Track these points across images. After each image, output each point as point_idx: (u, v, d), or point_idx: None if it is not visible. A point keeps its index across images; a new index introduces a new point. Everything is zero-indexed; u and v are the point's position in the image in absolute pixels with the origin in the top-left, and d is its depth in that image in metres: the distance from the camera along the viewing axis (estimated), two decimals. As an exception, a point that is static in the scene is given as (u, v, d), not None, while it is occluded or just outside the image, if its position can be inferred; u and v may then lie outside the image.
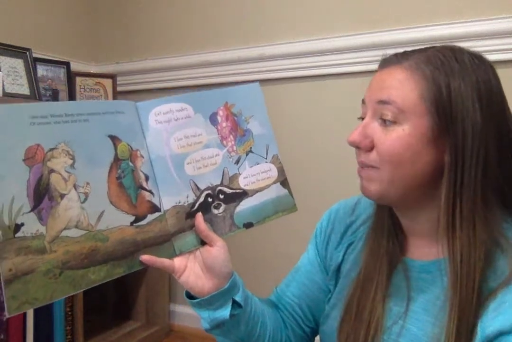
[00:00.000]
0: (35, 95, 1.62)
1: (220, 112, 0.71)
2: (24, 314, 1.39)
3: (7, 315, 0.51)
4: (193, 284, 0.65)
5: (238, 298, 0.67)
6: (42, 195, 0.55)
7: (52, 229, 0.55)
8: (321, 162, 1.64)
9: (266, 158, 0.74)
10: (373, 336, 0.63)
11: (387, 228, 0.68)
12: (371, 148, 0.61)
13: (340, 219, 0.77)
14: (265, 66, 1.70)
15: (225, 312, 0.65)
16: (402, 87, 0.59)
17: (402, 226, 0.68)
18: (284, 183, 0.75)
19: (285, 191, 0.75)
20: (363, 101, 0.64)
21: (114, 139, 0.62)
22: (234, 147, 0.71)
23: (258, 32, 1.73)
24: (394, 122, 0.59)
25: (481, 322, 0.54)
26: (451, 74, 0.58)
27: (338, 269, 0.74)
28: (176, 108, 0.67)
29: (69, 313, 1.52)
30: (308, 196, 1.63)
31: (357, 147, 0.62)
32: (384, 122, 0.60)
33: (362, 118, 0.64)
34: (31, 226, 0.53)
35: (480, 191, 0.58)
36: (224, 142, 0.70)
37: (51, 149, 0.56)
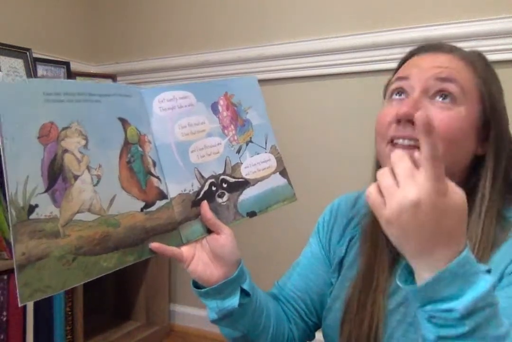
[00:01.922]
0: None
1: (221, 102, 0.71)
2: (24, 314, 1.39)
3: (19, 303, 0.49)
4: (201, 273, 0.65)
5: (246, 286, 0.67)
6: (56, 175, 0.53)
7: (66, 212, 0.53)
8: (321, 161, 1.64)
9: (265, 149, 0.75)
10: (377, 327, 0.64)
11: None
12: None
13: (342, 213, 0.78)
14: (265, 66, 1.70)
15: (233, 300, 0.65)
16: (462, 72, 0.62)
17: None
18: (283, 172, 0.76)
19: (284, 181, 0.76)
20: (404, 78, 0.63)
21: (123, 122, 0.61)
22: (235, 137, 0.72)
23: (258, 32, 1.73)
24: (453, 101, 0.60)
25: None
26: (490, 75, 0.64)
27: (341, 262, 0.75)
28: (179, 96, 0.67)
29: (69, 313, 1.52)
30: (308, 193, 1.63)
31: (408, 120, 0.59)
32: (443, 97, 0.60)
33: (398, 93, 0.63)
34: (45, 207, 0.51)
35: (503, 178, 0.63)
36: (226, 131, 0.71)
37: (65, 128, 0.54)
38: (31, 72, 1.64)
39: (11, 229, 0.49)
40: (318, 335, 0.80)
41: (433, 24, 1.44)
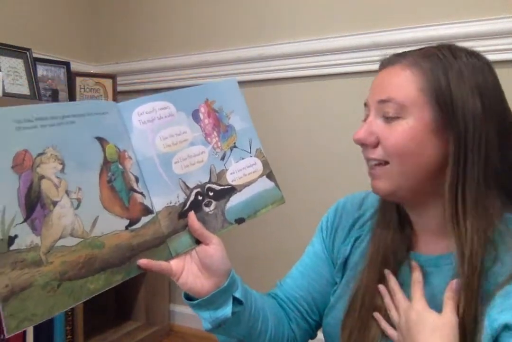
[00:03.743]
0: (35, 95, 1.62)
1: (202, 109, 0.70)
2: (24, 314, 1.39)
3: (6, 334, 0.49)
4: (192, 285, 0.64)
5: (238, 294, 0.66)
6: (34, 203, 0.52)
7: (47, 239, 0.52)
8: (321, 161, 1.64)
9: (250, 153, 0.74)
10: (381, 331, 0.65)
11: (393, 223, 0.69)
12: (376, 144, 0.63)
13: (347, 213, 0.78)
14: (265, 66, 1.70)
15: (226, 310, 0.65)
16: (401, 83, 0.62)
17: (410, 221, 0.69)
18: (270, 175, 0.75)
19: (271, 184, 0.75)
20: (365, 104, 0.66)
21: (101, 141, 0.59)
22: (219, 144, 0.71)
23: (258, 32, 1.73)
24: (396, 117, 0.61)
25: (489, 316, 0.57)
26: (449, 67, 0.61)
27: (345, 262, 0.75)
28: (159, 107, 0.65)
29: (69, 313, 1.52)
30: (307, 194, 1.63)
31: (363, 144, 0.64)
32: (387, 119, 0.62)
33: (365, 119, 0.66)
34: (25, 237, 0.51)
35: (482, 179, 0.60)
36: (209, 139, 0.70)
37: (40, 155, 0.53)
38: (31, 72, 1.64)
39: None
40: (319, 333, 0.80)
41: (433, 24, 1.44)
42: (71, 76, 1.82)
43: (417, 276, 0.64)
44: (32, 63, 1.65)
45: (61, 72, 1.80)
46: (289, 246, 1.68)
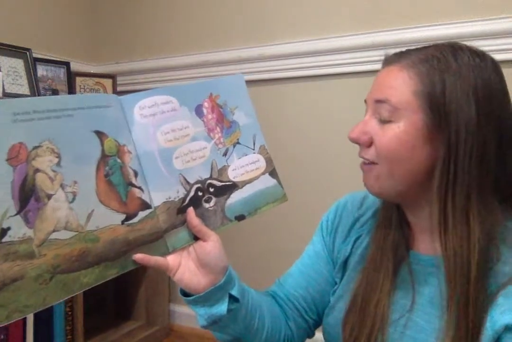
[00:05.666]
0: (35, 95, 1.63)
1: (206, 104, 0.69)
2: (24, 314, 1.39)
3: None
4: (188, 281, 0.64)
5: (234, 292, 0.66)
6: (28, 196, 0.52)
7: (40, 232, 0.53)
8: (320, 161, 1.64)
9: (253, 149, 0.73)
10: (379, 328, 0.64)
11: (394, 222, 0.69)
12: (370, 144, 0.63)
13: (348, 212, 0.77)
14: (265, 66, 1.70)
15: (222, 307, 0.64)
16: (397, 85, 0.61)
17: (408, 221, 0.69)
18: (272, 173, 0.74)
19: (274, 181, 0.74)
20: (365, 101, 0.66)
21: (100, 135, 0.59)
22: (221, 139, 0.70)
23: (258, 32, 1.73)
24: (390, 120, 0.61)
25: (491, 317, 0.56)
26: (446, 71, 0.59)
27: (346, 262, 0.75)
28: (161, 101, 0.65)
29: (69, 313, 1.52)
30: (307, 194, 1.63)
31: (357, 143, 0.64)
32: (381, 121, 0.62)
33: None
34: (18, 229, 0.51)
35: (475, 187, 0.58)
36: (211, 134, 0.69)
37: (35, 148, 0.53)
38: (31, 72, 1.64)
39: None
40: (318, 333, 0.80)
41: (433, 24, 1.44)
42: (71, 76, 1.83)
43: None
44: (32, 63, 1.65)
45: (61, 72, 1.80)
46: (288, 244, 1.68)
